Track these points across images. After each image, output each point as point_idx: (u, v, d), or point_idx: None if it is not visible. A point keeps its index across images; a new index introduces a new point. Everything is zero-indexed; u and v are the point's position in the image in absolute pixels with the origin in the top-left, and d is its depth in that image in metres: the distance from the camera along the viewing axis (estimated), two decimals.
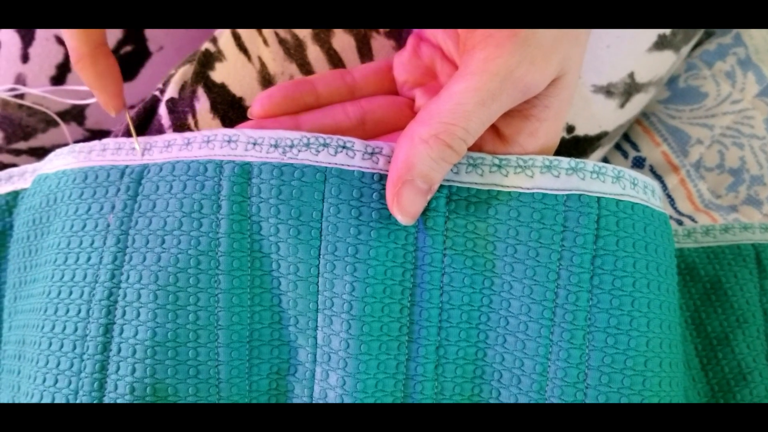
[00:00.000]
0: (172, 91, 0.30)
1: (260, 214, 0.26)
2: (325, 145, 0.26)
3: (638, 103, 0.35)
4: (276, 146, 0.27)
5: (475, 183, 0.26)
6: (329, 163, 0.26)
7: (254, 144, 0.27)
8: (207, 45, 0.31)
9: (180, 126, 0.30)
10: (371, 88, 0.30)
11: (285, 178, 0.26)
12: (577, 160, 0.27)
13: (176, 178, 0.27)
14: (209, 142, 0.27)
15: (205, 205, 0.26)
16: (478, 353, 0.27)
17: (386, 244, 0.26)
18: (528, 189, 0.26)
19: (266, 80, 0.30)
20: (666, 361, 0.26)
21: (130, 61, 0.37)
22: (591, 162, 0.27)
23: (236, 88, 0.30)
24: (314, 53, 0.31)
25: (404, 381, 0.26)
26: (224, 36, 0.31)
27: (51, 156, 0.30)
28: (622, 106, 0.34)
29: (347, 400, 0.26)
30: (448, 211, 0.26)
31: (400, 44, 0.31)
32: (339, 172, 0.26)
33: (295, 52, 0.31)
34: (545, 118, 0.26)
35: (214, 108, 0.30)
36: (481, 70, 0.23)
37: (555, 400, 0.26)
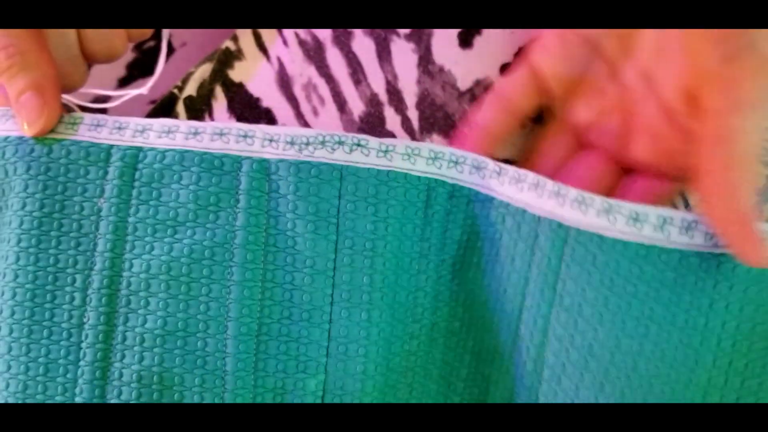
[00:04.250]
0: (190, 89, 0.30)
1: (278, 209, 0.27)
2: (341, 143, 0.27)
3: None
4: (292, 143, 0.27)
5: (477, 185, 0.27)
6: (345, 161, 0.27)
7: (270, 141, 0.27)
8: (228, 43, 0.31)
9: None
10: (530, 110, 0.30)
11: (302, 175, 0.26)
12: (562, 186, 0.26)
13: (186, 169, 0.26)
14: (223, 135, 0.27)
15: (222, 198, 0.26)
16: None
17: (399, 236, 0.27)
18: (516, 201, 0.27)
19: (284, 81, 0.30)
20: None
21: (153, 56, 0.37)
22: (575, 190, 0.25)
23: (254, 88, 0.30)
24: (333, 55, 0.31)
25: None
26: (245, 35, 0.31)
27: None
28: None
29: (368, 384, 0.27)
30: (450, 206, 0.28)
31: (420, 48, 0.31)
32: (355, 170, 0.27)
33: (315, 54, 0.31)
34: None
35: (231, 107, 0.30)
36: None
37: (523, 389, 0.28)
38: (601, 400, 0.26)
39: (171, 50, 0.38)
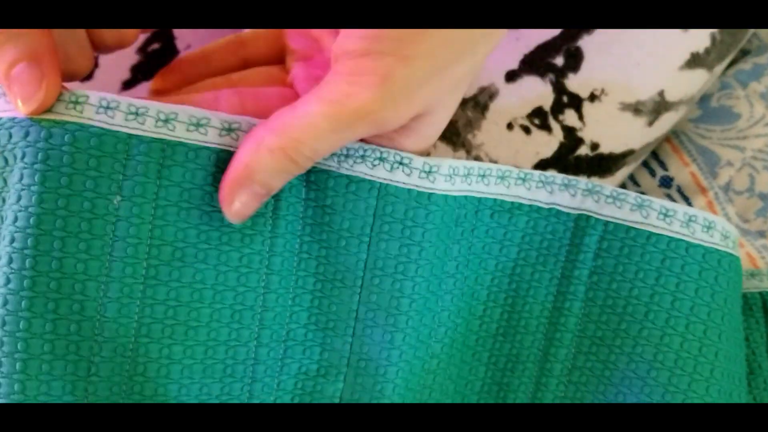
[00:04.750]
0: None
1: (313, 218, 0.26)
2: (382, 159, 0.25)
3: (667, 121, 0.34)
4: (331, 154, 0.25)
5: (501, 194, 0.27)
6: (385, 179, 0.25)
7: None
8: None
9: None
10: (262, 58, 0.31)
11: (338, 189, 0.25)
12: (595, 183, 0.27)
13: (219, 169, 0.24)
14: (232, 131, 0.24)
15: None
16: (482, 342, 0.29)
17: (431, 260, 0.26)
18: (546, 204, 0.27)
19: None
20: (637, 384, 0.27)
21: (158, 58, 0.37)
22: (610, 187, 0.27)
23: None
24: None
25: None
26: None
27: None
28: (650, 124, 0.33)
29: (383, 401, 0.27)
30: (476, 221, 0.27)
31: None
32: (394, 190, 0.25)
33: None
34: (406, 143, 0.26)
35: None
36: (342, 102, 0.23)
37: (543, 389, 0.29)
38: (629, 397, 0.26)
39: (175, 52, 0.38)
